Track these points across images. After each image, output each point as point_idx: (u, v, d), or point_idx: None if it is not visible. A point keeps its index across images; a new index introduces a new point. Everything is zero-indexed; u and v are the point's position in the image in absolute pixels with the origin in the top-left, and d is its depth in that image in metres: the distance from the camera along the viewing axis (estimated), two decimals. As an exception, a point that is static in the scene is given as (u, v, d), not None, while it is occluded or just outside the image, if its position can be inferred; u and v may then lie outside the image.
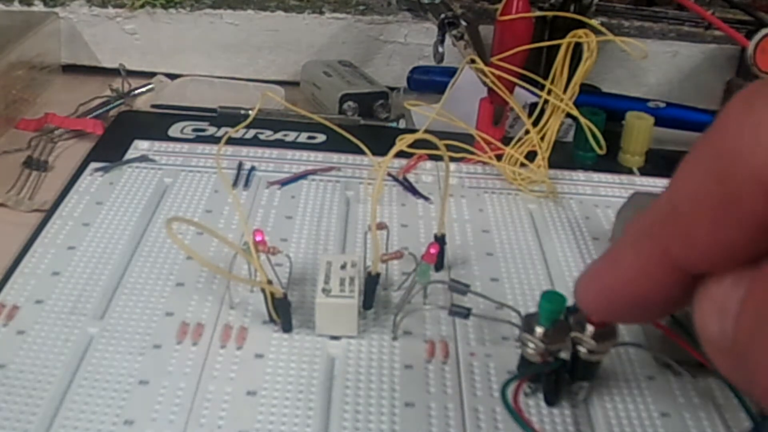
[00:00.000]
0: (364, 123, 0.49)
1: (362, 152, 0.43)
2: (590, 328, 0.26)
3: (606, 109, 0.45)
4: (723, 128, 0.15)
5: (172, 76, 0.56)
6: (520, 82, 0.43)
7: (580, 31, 0.41)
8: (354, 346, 0.31)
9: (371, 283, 0.32)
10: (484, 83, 0.43)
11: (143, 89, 0.53)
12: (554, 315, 0.26)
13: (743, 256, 0.16)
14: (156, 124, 0.48)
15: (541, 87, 0.43)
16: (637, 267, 0.18)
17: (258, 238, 0.32)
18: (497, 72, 0.42)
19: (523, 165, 0.43)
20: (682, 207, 0.16)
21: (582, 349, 0.27)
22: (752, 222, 0.15)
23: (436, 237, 0.35)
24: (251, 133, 0.47)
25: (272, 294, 0.30)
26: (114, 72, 0.55)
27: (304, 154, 0.45)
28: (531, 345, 0.27)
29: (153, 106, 0.51)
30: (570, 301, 0.27)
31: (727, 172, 0.15)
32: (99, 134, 0.47)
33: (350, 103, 0.50)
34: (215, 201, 0.40)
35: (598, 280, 0.19)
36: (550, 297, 0.26)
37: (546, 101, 0.43)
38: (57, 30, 0.56)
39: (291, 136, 0.47)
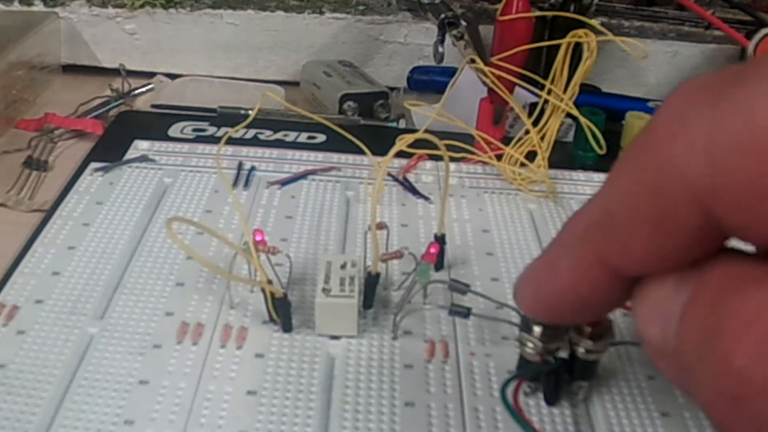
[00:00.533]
0: (364, 123, 0.49)
1: (362, 152, 0.43)
2: (587, 328, 0.26)
3: (606, 109, 0.45)
4: (657, 135, 0.15)
5: (172, 76, 0.56)
6: (520, 82, 0.43)
7: (580, 31, 0.41)
8: (354, 346, 0.31)
9: (371, 283, 0.32)
10: (484, 83, 0.43)
11: (143, 89, 0.53)
12: (553, 314, 0.26)
13: (681, 262, 0.15)
14: (156, 124, 0.48)
15: (541, 87, 0.43)
16: (573, 272, 0.17)
17: (258, 238, 0.32)
18: (497, 72, 0.42)
19: (523, 165, 0.43)
20: (616, 215, 0.16)
21: (579, 349, 0.27)
22: (688, 232, 0.15)
23: (436, 237, 0.35)
24: (251, 133, 0.47)
25: (272, 294, 0.30)
26: (114, 72, 0.55)
27: (304, 154, 0.45)
28: (529, 344, 0.27)
29: (153, 106, 0.51)
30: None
31: (661, 183, 0.15)
32: (99, 134, 0.47)
33: (350, 103, 0.50)
34: (215, 201, 0.40)
35: (535, 285, 0.19)
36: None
37: (546, 101, 0.43)
38: (57, 30, 0.56)
39: (291, 136, 0.47)
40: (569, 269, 0.18)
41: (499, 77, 0.42)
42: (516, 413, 0.26)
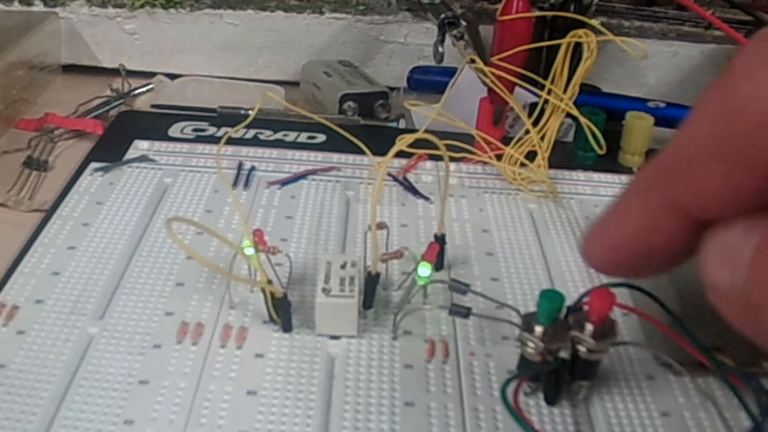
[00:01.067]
0: (364, 123, 0.49)
1: (362, 152, 0.43)
2: (589, 327, 0.26)
3: (606, 109, 0.45)
4: (734, 73, 0.15)
5: (172, 76, 0.56)
6: (520, 82, 0.43)
7: (580, 31, 0.41)
8: (354, 346, 0.31)
9: (371, 283, 0.32)
10: (484, 83, 0.43)
11: (143, 89, 0.53)
12: (553, 314, 0.26)
13: (755, 203, 0.15)
14: (156, 124, 0.48)
15: (541, 87, 0.43)
16: (646, 218, 0.17)
17: (258, 238, 0.32)
18: (497, 72, 0.42)
19: (523, 165, 0.43)
20: (691, 153, 0.16)
21: (582, 348, 0.27)
22: (763, 168, 0.15)
23: (436, 237, 0.35)
24: (251, 133, 0.47)
25: (272, 294, 0.30)
26: (114, 72, 0.55)
27: (304, 154, 0.45)
28: (530, 344, 0.27)
29: (153, 106, 0.51)
30: (570, 300, 0.27)
31: (738, 117, 0.15)
32: (99, 134, 0.47)
33: (350, 103, 0.50)
34: (215, 201, 0.40)
35: (606, 235, 0.19)
36: (549, 296, 0.26)
37: (546, 101, 0.43)
38: (57, 30, 0.56)
39: (291, 136, 0.47)
40: (640, 214, 0.17)
41: (499, 77, 0.42)
42: (516, 413, 0.26)
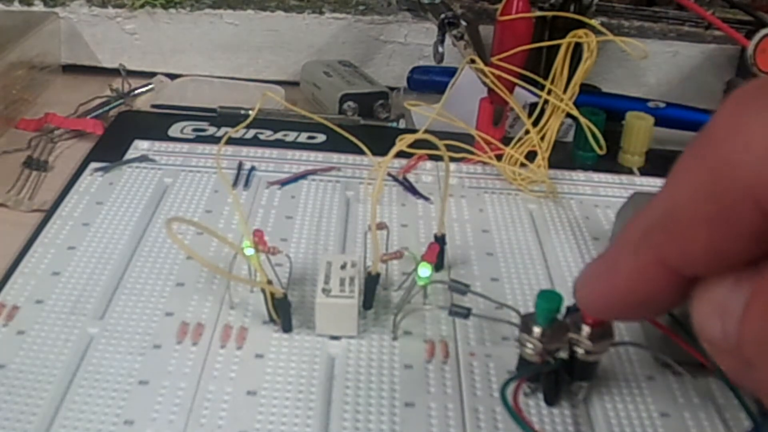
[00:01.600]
0: (364, 123, 0.49)
1: (362, 152, 0.43)
2: (586, 329, 0.26)
3: (606, 109, 0.45)
4: (715, 137, 0.15)
5: (172, 76, 0.56)
6: (520, 82, 0.43)
7: (580, 31, 0.41)
8: (354, 346, 0.31)
9: (371, 283, 0.32)
10: (484, 83, 0.43)
11: (143, 89, 0.53)
12: (551, 314, 0.26)
13: (740, 261, 0.16)
14: (156, 124, 0.48)
15: (541, 87, 0.43)
16: (635, 272, 0.18)
17: (258, 239, 0.32)
18: (497, 72, 0.42)
19: (523, 165, 0.43)
20: (676, 215, 0.16)
21: (579, 350, 0.27)
22: (747, 232, 0.15)
23: (436, 237, 0.35)
24: (251, 133, 0.47)
25: (272, 294, 0.30)
26: (114, 72, 0.55)
27: (304, 154, 0.45)
28: (529, 345, 0.27)
29: (153, 106, 0.51)
30: (568, 301, 0.27)
31: (719, 183, 0.15)
32: (99, 134, 0.47)
33: (350, 103, 0.50)
34: (215, 201, 0.40)
35: (597, 284, 0.20)
36: (547, 296, 0.26)
37: (546, 101, 0.43)
38: (57, 30, 0.56)
39: (291, 136, 0.47)
40: (629, 270, 0.18)
41: (499, 77, 0.42)
42: (516, 413, 0.26)
